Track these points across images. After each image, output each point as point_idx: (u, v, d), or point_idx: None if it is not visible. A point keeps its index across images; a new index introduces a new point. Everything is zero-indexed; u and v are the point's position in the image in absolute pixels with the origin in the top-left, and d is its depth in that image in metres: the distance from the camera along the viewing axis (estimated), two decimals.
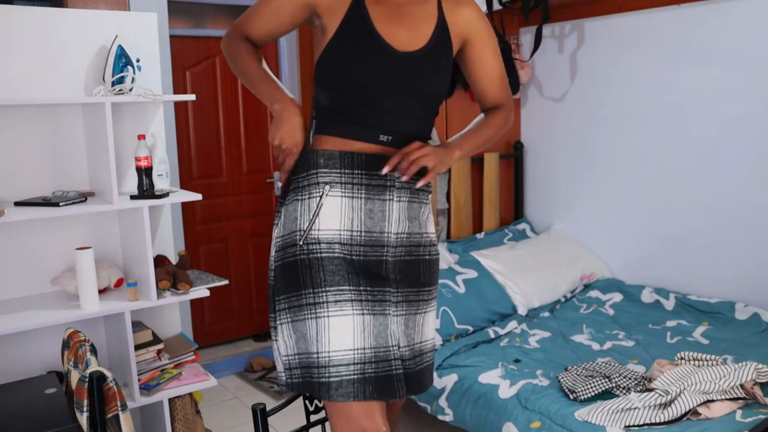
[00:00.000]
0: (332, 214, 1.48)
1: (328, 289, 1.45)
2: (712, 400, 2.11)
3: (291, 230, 1.52)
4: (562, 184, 3.81)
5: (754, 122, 2.94)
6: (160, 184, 2.53)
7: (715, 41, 3.04)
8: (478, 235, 3.67)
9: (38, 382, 2.04)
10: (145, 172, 2.42)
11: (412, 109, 1.53)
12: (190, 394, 2.56)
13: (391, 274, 1.52)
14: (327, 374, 1.44)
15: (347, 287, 1.46)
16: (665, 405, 2.10)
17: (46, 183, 2.50)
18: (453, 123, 3.64)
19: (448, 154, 1.52)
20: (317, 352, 1.44)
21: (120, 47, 2.43)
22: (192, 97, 2.58)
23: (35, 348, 2.48)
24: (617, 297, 3.32)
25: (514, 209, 4.02)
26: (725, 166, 3.06)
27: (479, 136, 1.64)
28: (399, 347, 1.51)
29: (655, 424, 2.05)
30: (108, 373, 1.75)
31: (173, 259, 2.73)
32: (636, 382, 2.25)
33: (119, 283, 2.53)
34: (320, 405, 1.76)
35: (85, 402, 1.73)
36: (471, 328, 2.97)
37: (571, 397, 2.24)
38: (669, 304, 3.17)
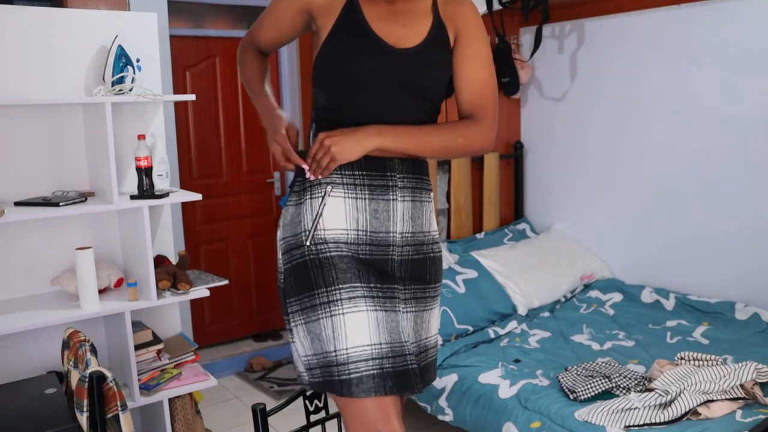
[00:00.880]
0: (336, 215, 1.49)
1: (341, 286, 1.45)
2: (712, 400, 2.11)
3: (295, 232, 1.52)
4: (562, 184, 3.81)
5: (753, 122, 2.94)
6: (160, 184, 2.53)
7: (715, 41, 3.03)
8: (478, 235, 3.67)
9: (38, 382, 2.04)
10: (145, 172, 2.42)
11: (411, 107, 1.52)
12: (190, 394, 2.56)
13: (397, 272, 1.52)
14: (347, 371, 1.43)
15: (359, 284, 1.46)
16: (665, 405, 2.10)
17: (46, 183, 2.50)
18: None
19: (358, 141, 1.42)
20: (335, 350, 1.44)
21: (120, 47, 2.43)
22: (192, 97, 2.58)
23: (35, 348, 2.48)
24: (617, 297, 3.32)
25: (514, 209, 4.02)
26: (725, 166, 3.06)
27: (427, 136, 1.48)
28: (409, 343, 1.52)
29: (655, 424, 2.05)
30: (108, 373, 1.75)
31: (173, 259, 2.72)
32: (636, 382, 2.25)
33: (119, 283, 2.53)
34: (320, 405, 1.76)
35: (85, 402, 1.73)
36: (471, 328, 2.97)
37: (571, 397, 2.24)
38: (669, 304, 3.16)
